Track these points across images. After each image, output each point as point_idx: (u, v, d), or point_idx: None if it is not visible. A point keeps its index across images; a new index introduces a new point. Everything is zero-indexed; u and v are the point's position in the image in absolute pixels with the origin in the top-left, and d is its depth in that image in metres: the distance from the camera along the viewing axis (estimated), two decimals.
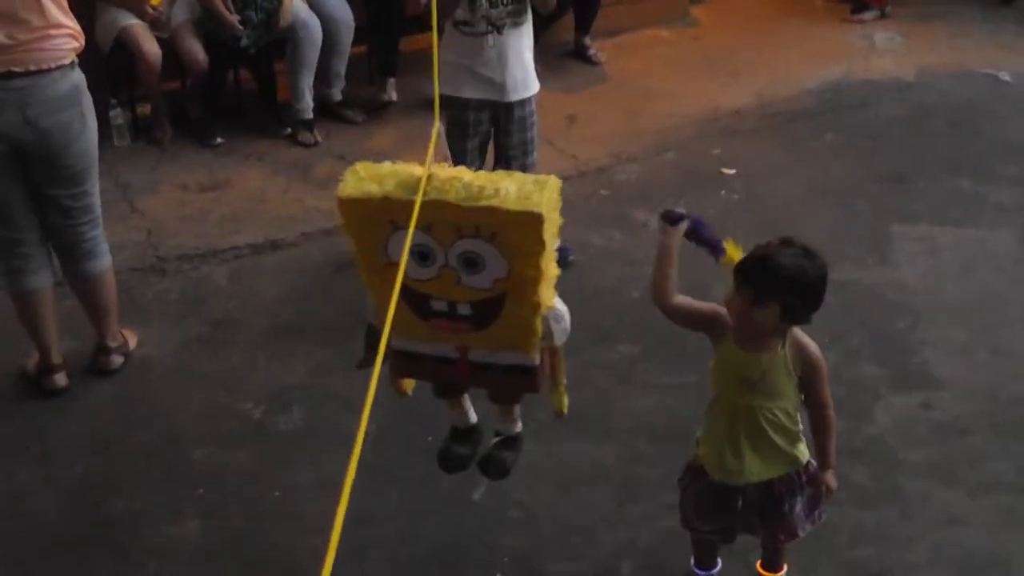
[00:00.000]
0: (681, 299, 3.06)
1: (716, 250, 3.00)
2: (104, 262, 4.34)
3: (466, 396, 3.23)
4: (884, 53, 7.78)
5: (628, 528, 3.78)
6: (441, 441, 3.32)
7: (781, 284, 2.83)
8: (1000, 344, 4.71)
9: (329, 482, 3.90)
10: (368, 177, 2.66)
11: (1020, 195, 5.88)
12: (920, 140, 6.48)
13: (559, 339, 2.87)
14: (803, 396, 3.05)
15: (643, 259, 5.23)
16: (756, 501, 3.17)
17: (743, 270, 2.90)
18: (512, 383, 2.98)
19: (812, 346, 3.00)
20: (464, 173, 2.61)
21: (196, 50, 6.15)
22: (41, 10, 3.81)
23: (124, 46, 6.07)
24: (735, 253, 2.96)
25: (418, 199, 2.46)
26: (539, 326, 2.80)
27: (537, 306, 2.76)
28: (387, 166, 2.68)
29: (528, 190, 2.58)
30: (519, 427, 3.26)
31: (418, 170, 2.58)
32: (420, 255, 2.65)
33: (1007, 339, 4.74)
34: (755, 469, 3.10)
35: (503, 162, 4.93)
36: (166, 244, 5.41)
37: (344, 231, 2.75)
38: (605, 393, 4.39)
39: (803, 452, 3.13)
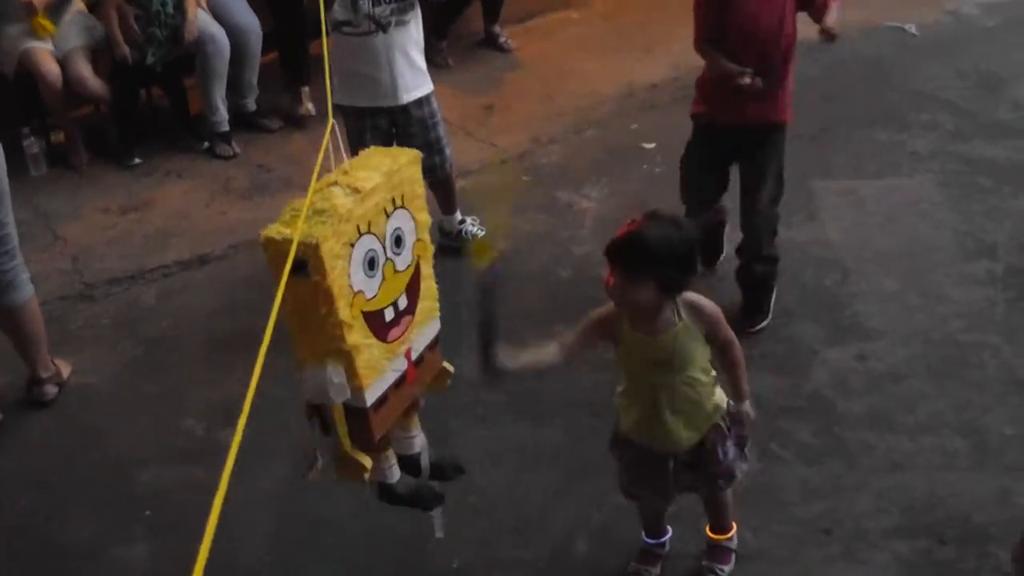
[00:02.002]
0: (568, 341, 3.09)
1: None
2: (25, 293, 4.27)
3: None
4: None
5: (580, 506, 3.80)
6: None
7: (650, 259, 2.82)
8: (929, 288, 4.78)
9: (278, 492, 3.90)
10: (297, 222, 2.54)
11: (934, 141, 5.97)
12: (834, 97, 6.55)
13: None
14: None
15: (570, 239, 5.30)
16: (689, 459, 3.20)
17: (612, 252, 2.88)
18: (434, 357, 3.00)
19: (704, 301, 3.03)
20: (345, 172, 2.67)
21: (86, 76, 6.05)
22: None
23: (26, 71, 6.01)
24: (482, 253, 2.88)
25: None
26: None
27: (430, 249, 2.87)
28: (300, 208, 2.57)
29: (388, 152, 2.81)
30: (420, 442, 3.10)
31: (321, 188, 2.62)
32: (370, 263, 2.64)
33: (935, 283, 4.82)
34: (685, 435, 3.13)
35: None
36: (92, 269, 5.35)
37: (312, 297, 2.55)
38: (545, 375, 4.38)
39: (721, 397, 3.17)
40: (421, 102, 4.78)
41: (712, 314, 3.03)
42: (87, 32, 6.14)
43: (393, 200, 2.68)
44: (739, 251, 4.68)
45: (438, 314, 2.95)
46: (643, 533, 3.54)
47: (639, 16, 7.89)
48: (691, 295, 3.01)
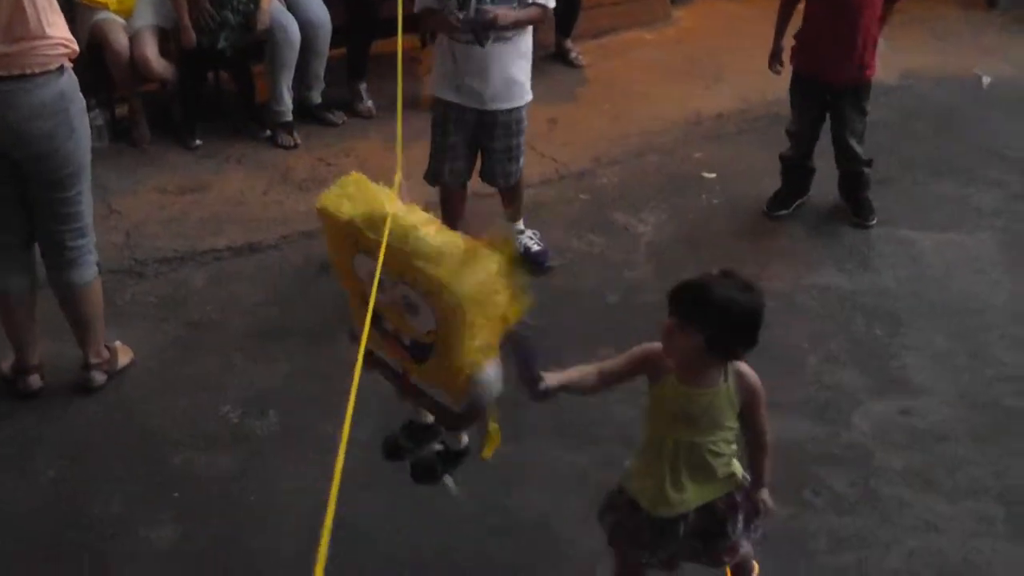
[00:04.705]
0: (610, 368, 3.05)
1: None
2: (85, 274, 4.25)
3: None
4: None
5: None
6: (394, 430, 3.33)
7: (706, 314, 2.79)
8: (979, 349, 4.71)
9: (305, 487, 3.89)
10: (349, 194, 2.70)
11: (1001, 199, 5.89)
12: (903, 143, 6.48)
13: (479, 403, 2.83)
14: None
15: (623, 263, 5.26)
16: (699, 524, 3.11)
17: (675, 295, 2.86)
18: (443, 416, 3.04)
19: (752, 375, 2.98)
20: (425, 224, 2.67)
21: (150, 57, 6.07)
22: (25, 21, 3.73)
23: (96, 42, 6.05)
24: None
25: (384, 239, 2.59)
26: (461, 386, 2.81)
27: (459, 371, 2.75)
28: (372, 189, 2.71)
29: (470, 269, 2.62)
30: (464, 442, 3.25)
31: (391, 206, 2.66)
32: (380, 284, 2.65)
33: (986, 344, 4.74)
34: (695, 496, 3.05)
35: (487, 165, 4.95)
36: (144, 246, 5.37)
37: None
38: (585, 399, 4.35)
39: (738, 468, 3.10)
40: (510, 110, 4.84)
41: (755, 388, 2.98)
42: (159, 13, 6.17)
43: (414, 280, 2.66)
44: (837, 163, 5.71)
45: (461, 403, 2.90)
46: None
47: (712, 43, 7.86)
48: (743, 365, 2.96)
